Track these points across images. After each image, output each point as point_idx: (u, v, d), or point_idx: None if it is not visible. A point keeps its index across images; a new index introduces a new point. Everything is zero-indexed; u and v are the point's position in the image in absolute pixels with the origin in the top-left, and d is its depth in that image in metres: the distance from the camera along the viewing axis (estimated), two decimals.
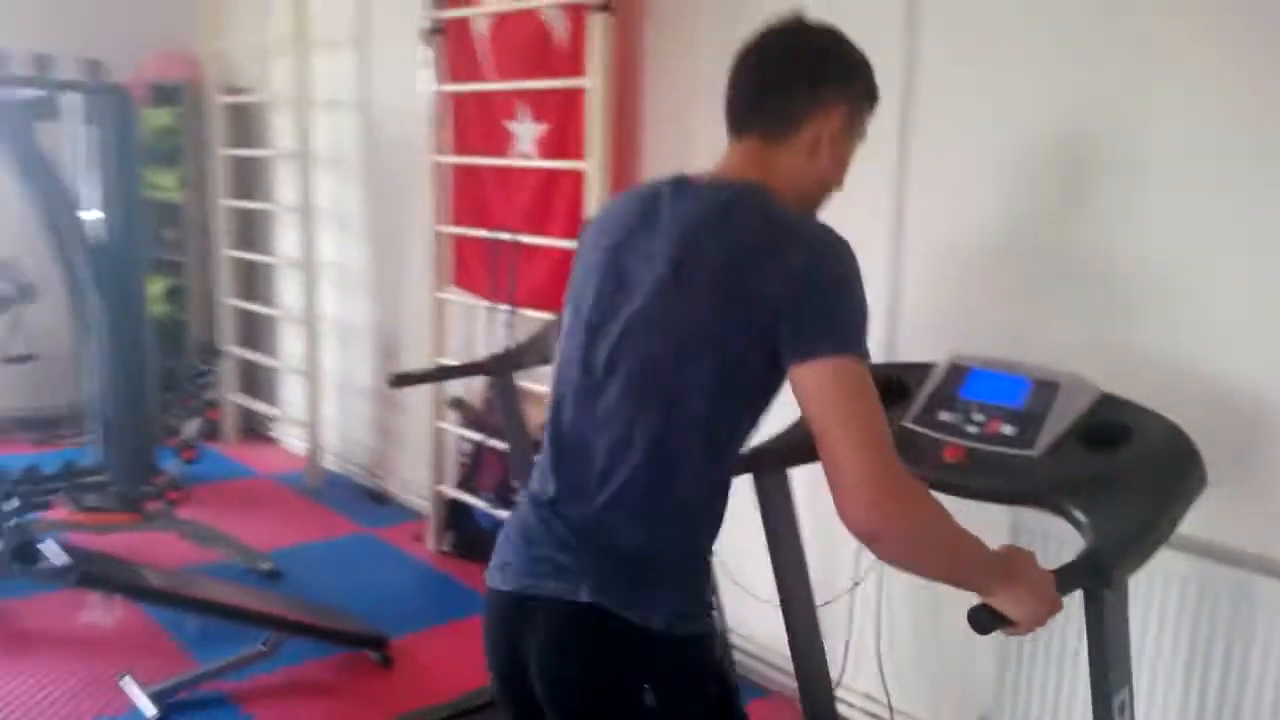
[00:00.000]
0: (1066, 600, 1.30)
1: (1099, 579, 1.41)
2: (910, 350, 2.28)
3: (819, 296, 1.17)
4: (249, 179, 4.85)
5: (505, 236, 3.35)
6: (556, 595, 1.24)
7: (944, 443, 1.71)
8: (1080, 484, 1.56)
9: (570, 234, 3.05)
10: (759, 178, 1.28)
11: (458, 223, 3.58)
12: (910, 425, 1.77)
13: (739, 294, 1.19)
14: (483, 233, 3.45)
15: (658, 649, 1.22)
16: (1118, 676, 1.52)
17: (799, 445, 1.55)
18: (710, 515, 1.28)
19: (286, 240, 4.66)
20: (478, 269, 3.55)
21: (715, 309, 1.21)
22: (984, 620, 1.21)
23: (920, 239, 2.37)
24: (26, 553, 2.68)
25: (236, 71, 4.79)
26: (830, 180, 1.36)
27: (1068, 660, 2.02)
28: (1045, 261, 2.16)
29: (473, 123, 3.50)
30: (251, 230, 4.87)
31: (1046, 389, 1.70)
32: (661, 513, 1.24)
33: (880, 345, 2.30)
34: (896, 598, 2.45)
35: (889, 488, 1.12)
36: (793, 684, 2.23)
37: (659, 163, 2.97)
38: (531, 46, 3.16)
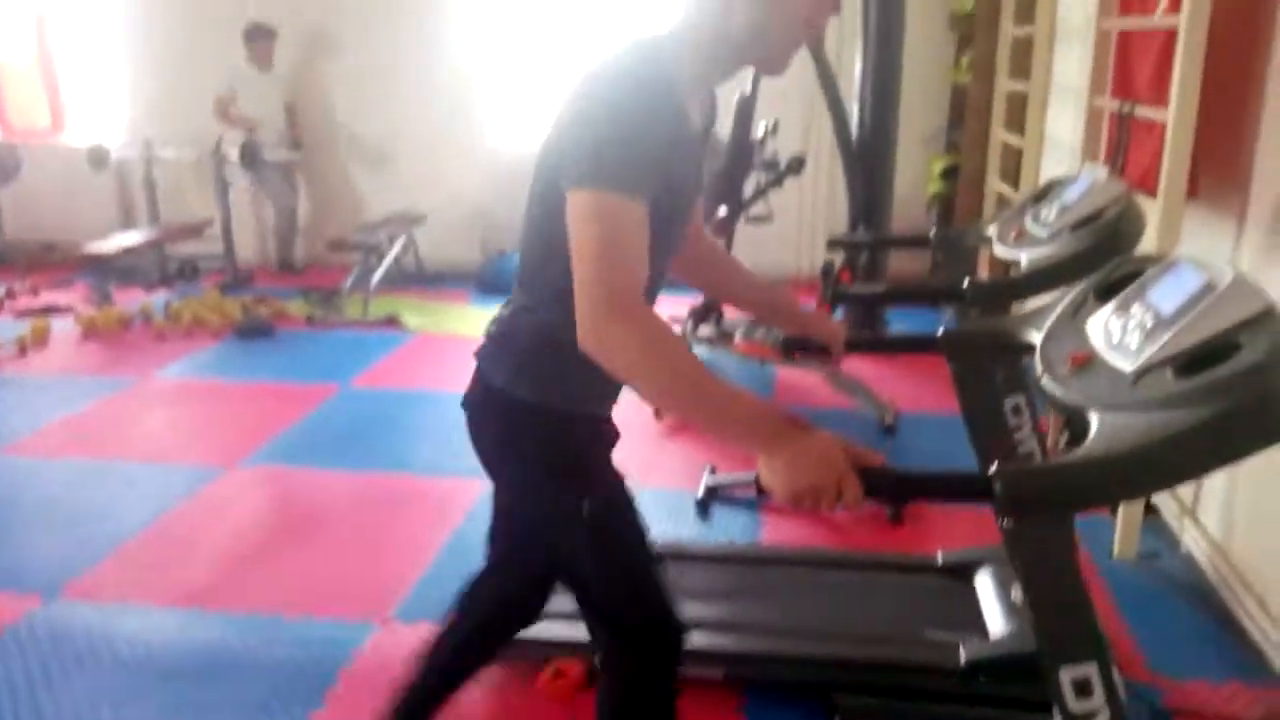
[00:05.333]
0: None
1: (993, 496, 1.14)
2: None
3: (579, 128, 1.29)
4: (1028, 60, 4.57)
5: (1116, 106, 3.08)
6: (479, 355, 1.56)
7: (1083, 348, 1.40)
8: (1120, 405, 1.22)
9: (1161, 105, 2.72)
10: (678, 23, 1.38)
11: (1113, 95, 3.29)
12: (1088, 325, 1.45)
13: (558, 124, 1.35)
14: (1111, 104, 3.22)
15: (503, 404, 1.50)
16: (1067, 646, 1.20)
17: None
18: (564, 313, 1.31)
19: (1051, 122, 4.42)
20: (1110, 148, 3.26)
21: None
22: (757, 480, 1.22)
23: None
24: None
25: None
26: (770, 27, 1.34)
27: None
28: None
29: None
30: (1024, 112, 4.65)
31: (1202, 293, 1.28)
32: (523, 297, 1.49)
33: None
34: None
35: (602, 316, 1.23)
36: None
37: None
38: None
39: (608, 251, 1.24)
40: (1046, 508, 1.15)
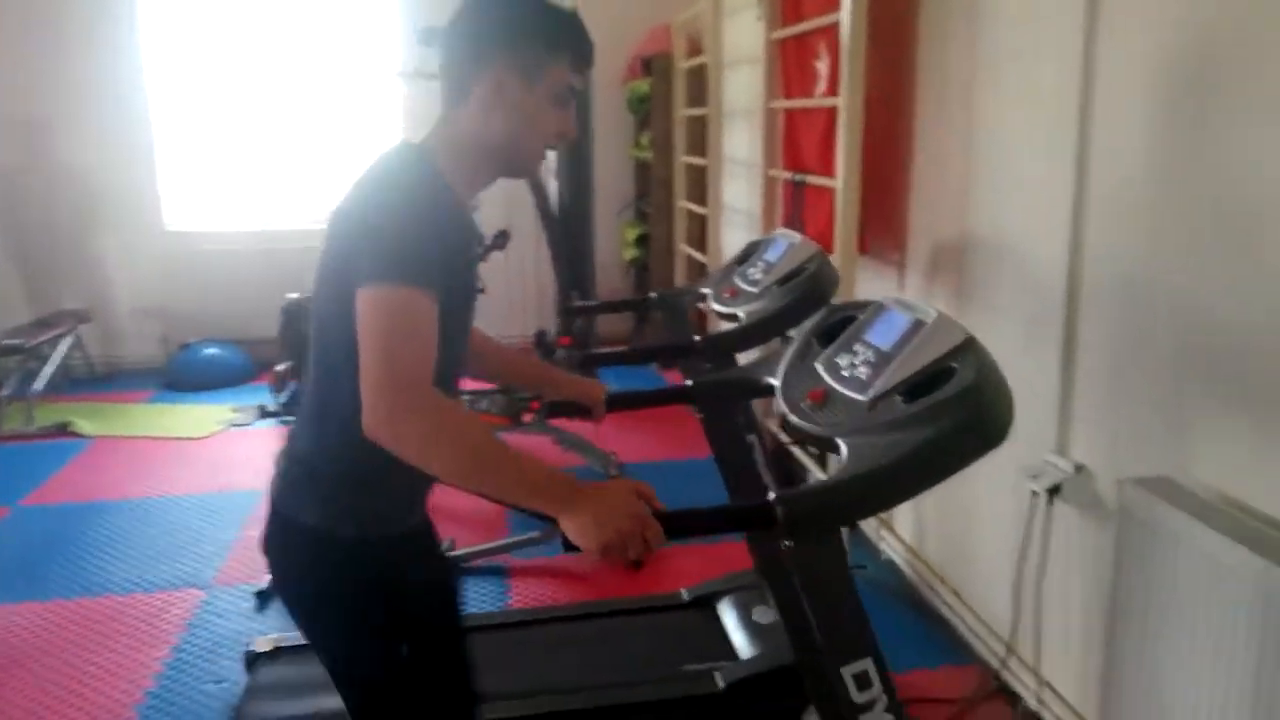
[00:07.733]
0: None
1: (774, 524, 1.27)
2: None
3: (363, 232, 1.30)
4: (702, 137, 5.03)
5: (790, 176, 3.51)
6: (273, 492, 1.49)
7: (818, 385, 1.60)
8: (863, 430, 1.43)
9: (829, 174, 3.18)
10: (425, 139, 1.43)
11: (785, 166, 3.75)
12: (817, 365, 1.66)
13: (336, 235, 1.36)
14: (784, 174, 3.65)
15: (315, 542, 1.43)
16: (846, 646, 1.34)
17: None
18: (355, 428, 1.26)
19: (727, 192, 4.87)
20: (786, 213, 3.72)
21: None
22: (563, 541, 1.25)
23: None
24: None
25: (698, 39, 5.13)
26: (522, 138, 1.42)
27: None
28: None
29: (792, 64, 3.62)
30: (703, 184, 5.07)
31: (914, 329, 1.54)
32: (320, 425, 1.44)
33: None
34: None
35: (392, 403, 1.21)
36: None
37: (932, 106, 2.90)
38: None
39: (395, 340, 1.24)
40: (824, 526, 1.29)
